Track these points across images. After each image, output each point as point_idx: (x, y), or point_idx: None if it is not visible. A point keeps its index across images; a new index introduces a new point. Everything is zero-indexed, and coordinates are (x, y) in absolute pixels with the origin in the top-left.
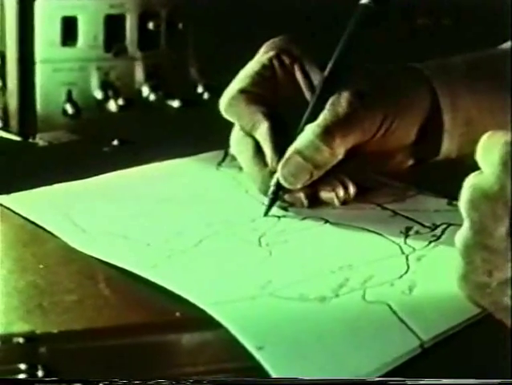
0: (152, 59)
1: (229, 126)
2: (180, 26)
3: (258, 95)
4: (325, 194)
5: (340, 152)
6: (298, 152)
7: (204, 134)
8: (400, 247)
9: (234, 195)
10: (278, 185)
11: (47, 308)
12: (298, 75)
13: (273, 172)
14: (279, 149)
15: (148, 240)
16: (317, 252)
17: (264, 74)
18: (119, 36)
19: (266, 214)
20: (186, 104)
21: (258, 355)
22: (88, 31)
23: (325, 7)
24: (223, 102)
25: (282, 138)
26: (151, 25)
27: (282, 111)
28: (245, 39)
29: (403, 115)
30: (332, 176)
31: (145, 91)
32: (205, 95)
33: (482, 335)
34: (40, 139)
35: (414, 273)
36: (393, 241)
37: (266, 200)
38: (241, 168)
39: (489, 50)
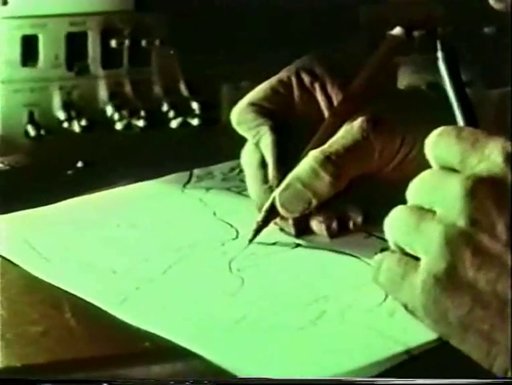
0: (116, 78)
1: (194, 145)
2: (144, 43)
3: (268, 109)
4: (315, 224)
5: (342, 182)
6: (298, 179)
7: (169, 154)
8: None
9: (202, 218)
10: (272, 211)
11: (11, 340)
12: (318, 95)
13: (271, 190)
14: (282, 168)
15: (115, 267)
16: (290, 279)
17: (279, 90)
18: (81, 54)
19: (251, 241)
20: (151, 123)
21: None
22: (49, 50)
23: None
24: (233, 113)
25: (287, 157)
26: (113, 42)
27: (297, 129)
28: (210, 56)
29: (422, 142)
30: (330, 205)
31: (109, 110)
32: (171, 114)
33: None
34: (1, 163)
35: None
36: (369, 264)
37: (237, 223)
38: (207, 189)
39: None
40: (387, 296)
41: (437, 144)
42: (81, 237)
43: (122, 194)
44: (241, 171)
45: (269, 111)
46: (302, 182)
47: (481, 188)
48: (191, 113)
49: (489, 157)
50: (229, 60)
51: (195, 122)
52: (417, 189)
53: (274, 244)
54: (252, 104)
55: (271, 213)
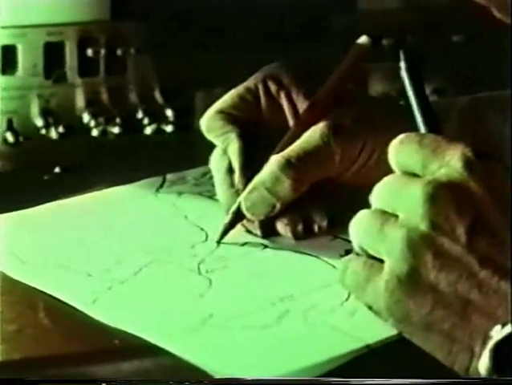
0: (92, 86)
1: (168, 151)
2: (119, 52)
3: (236, 116)
4: (280, 227)
5: (303, 185)
6: (262, 183)
7: (144, 159)
8: None
9: (173, 221)
10: (238, 214)
11: None
12: (284, 103)
13: (238, 194)
14: (248, 173)
15: (89, 269)
16: (257, 280)
17: (246, 98)
18: (59, 63)
19: (218, 242)
20: (126, 130)
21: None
22: (28, 59)
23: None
24: (203, 120)
25: (253, 162)
26: (90, 51)
27: (264, 136)
28: (184, 64)
29: (383, 148)
30: (296, 208)
31: (86, 117)
32: (145, 121)
33: None
34: None
35: (356, 300)
36: (333, 266)
37: (207, 226)
38: (179, 194)
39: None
40: (349, 296)
41: (400, 150)
42: (56, 240)
43: (97, 198)
44: (212, 176)
45: (236, 118)
46: (265, 186)
47: (442, 193)
48: (165, 120)
49: (449, 163)
50: (203, 68)
51: (169, 128)
52: (380, 194)
53: (242, 245)
54: (220, 112)
55: (237, 216)
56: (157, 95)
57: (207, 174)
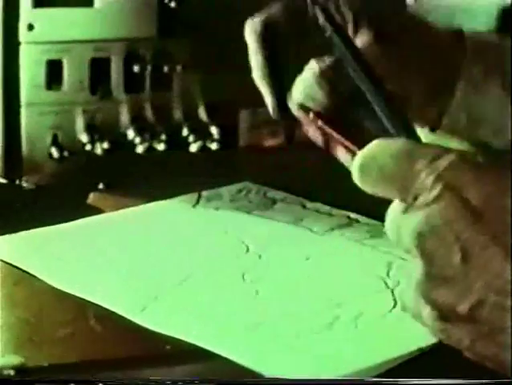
0: (137, 102)
1: (211, 170)
2: (165, 69)
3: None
4: None
5: None
6: None
7: (189, 176)
8: (385, 281)
9: (213, 234)
10: None
11: (38, 342)
12: None
13: None
14: None
15: (133, 280)
16: (303, 290)
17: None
18: (105, 79)
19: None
20: (171, 147)
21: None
22: (73, 74)
23: None
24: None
25: None
26: (136, 68)
27: None
28: (229, 82)
29: None
30: None
31: (130, 133)
32: (191, 138)
33: None
34: (26, 182)
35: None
36: (377, 275)
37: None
38: (216, 209)
39: None
40: (395, 304)
41: None
42: (101, 252)
43: (137, 212)
44: (248, 192)
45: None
46: None
47: None
48: (210, 137)
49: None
50: (248, 86)
51: (214, 146)
52: None
53: (284, 258)
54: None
55: None
56: (202, 113)
57: (242, 190)
